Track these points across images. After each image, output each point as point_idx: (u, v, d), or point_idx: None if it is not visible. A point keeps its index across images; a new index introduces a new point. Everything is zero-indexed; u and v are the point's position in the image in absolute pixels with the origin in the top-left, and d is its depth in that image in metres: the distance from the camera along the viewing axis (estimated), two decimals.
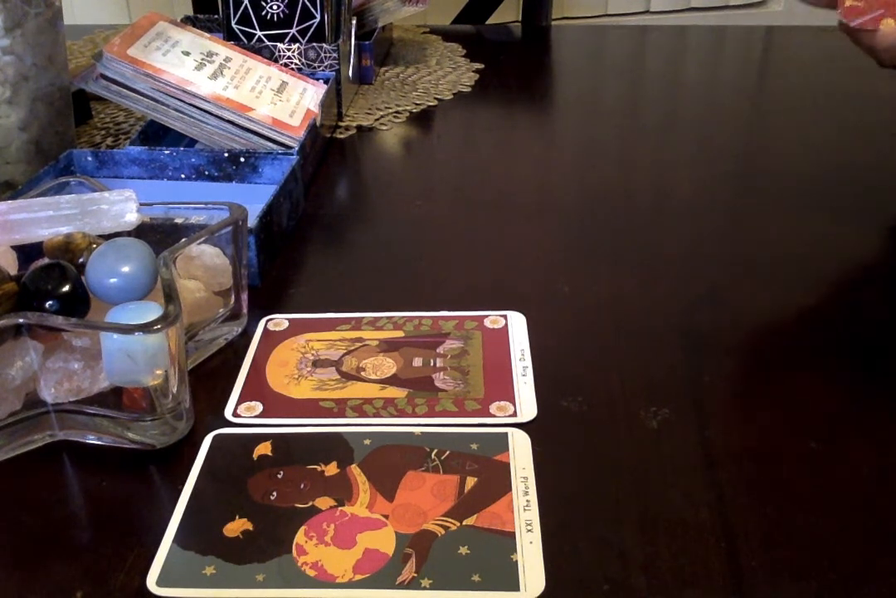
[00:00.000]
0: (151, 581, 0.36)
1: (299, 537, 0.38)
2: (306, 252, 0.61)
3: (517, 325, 0.52)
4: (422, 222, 0.65)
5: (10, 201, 0.48)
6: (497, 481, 0.40)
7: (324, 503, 0.39)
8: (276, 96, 0.73)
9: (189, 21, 0.96)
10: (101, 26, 1.13)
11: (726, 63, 1.06)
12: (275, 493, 0.40)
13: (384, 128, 0.83)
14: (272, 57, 0.83)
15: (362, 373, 0.48)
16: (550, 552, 0.37)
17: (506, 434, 0.43)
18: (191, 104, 0.69)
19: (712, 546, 0.37)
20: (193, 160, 0.66)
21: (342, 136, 0.81)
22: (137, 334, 0.38)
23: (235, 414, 0.45)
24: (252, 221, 0.54)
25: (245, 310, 0.51)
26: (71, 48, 1.01)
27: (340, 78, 0.83)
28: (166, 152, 0.66)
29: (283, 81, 0.76)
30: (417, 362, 0.49)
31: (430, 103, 0.89)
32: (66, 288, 0.41)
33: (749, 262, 0.59)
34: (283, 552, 0.37)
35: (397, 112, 0.86)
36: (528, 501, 0.39)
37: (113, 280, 0.42)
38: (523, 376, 0.47)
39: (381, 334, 0.51)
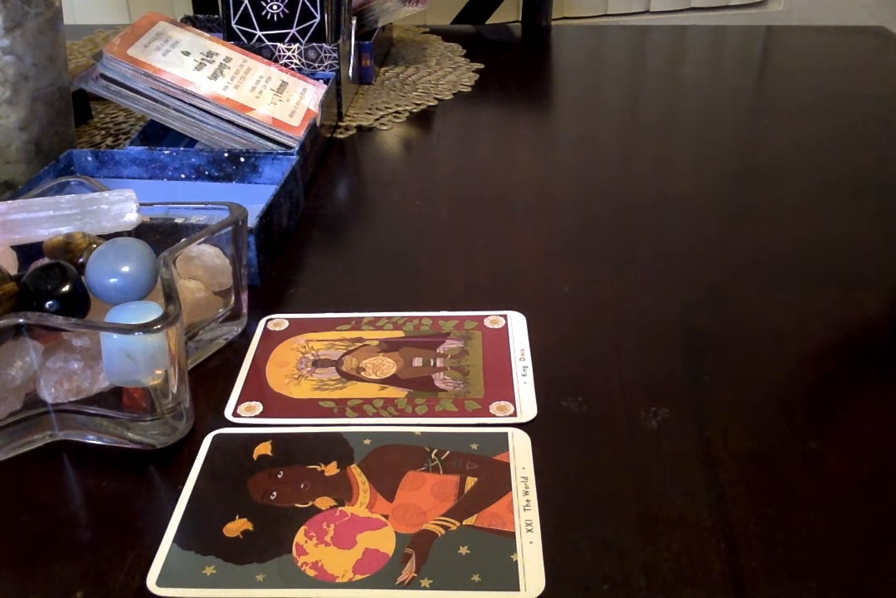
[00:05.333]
0: (151, 581, 0.36)
1: (299, 537, 0.38)
2: (306, 252, 0.61)
3: (517, 325, 0.52)
4: (422, 222, 0.65)
5: (10, 201, 0.48)
6: (497, 481, 0.40)
7: (324, 502, 0.39)
8: (276, 96, 0.73)
9: (189, 21, 0.96)
10: (101, 26, 1.13)
11: (726, 63, 1.06)
12: (275, 493, 0.40)
13: (384, 128, 0.83)
14: (272, 57, 0.83)
15: (362, 373, 0.48)
16: (550, 552, 0.37)
17: (506, 434, 0.43)
18: (191, 104, 0.69)
19: (712, 546, 0.37)
20: (193, 160, 0.66)
21: (342, 136, 0.81)
22: (137, 334, 0.38)
23: (235, 414, 0.45)
24: (252, 221, 0.54)
25: (245, 310, 0.51)
26: (71, 48, 1.01)
27: (340, 78, 0.83)
28: (166, 152, 0.66)
29: (283, 81, 0.76)
30: (417, 362, 0.49)
31: (430, 103, 0.89)
32: (66, 288, 0.41)
33: (749, 262, 0.59)
34: (283, 552, 0.37)
35: (397, 112, 0.86)
36: (528, 501, 0.39)
37: (113, 280, 0.41)
38: (523, 376, 0.47)
39: (381, 334, 0.51)
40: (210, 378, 0.48)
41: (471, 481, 0.40)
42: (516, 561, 0.36)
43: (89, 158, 0.66)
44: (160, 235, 0.50)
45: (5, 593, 0.36)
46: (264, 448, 0.43)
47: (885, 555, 0.37)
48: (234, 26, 0.85)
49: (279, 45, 0.83)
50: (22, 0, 0.60)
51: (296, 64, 0.84)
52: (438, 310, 0.53)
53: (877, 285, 0.56)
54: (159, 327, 0.38)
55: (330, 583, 0.36)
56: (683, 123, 0.85)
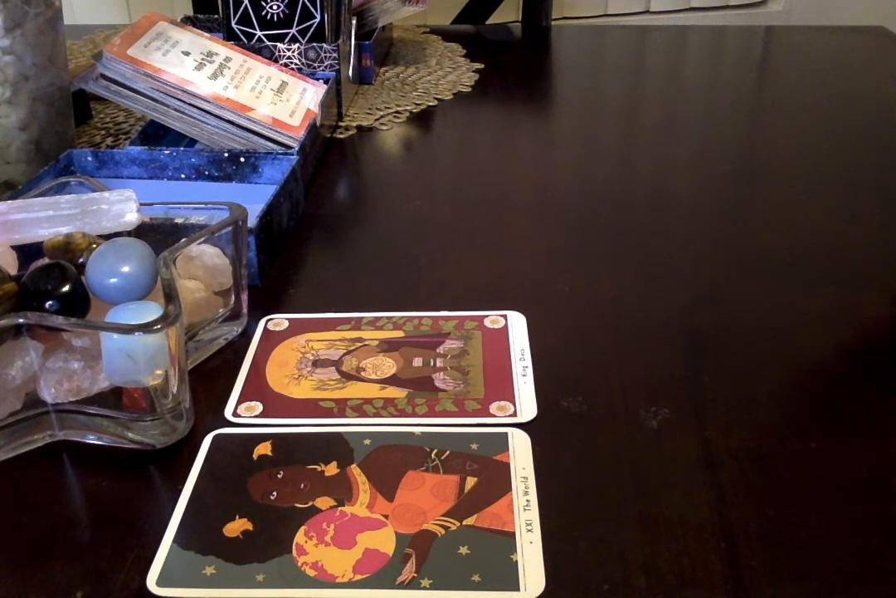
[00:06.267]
0: (151, 581, 0.36)
1: (299, 537, 0.38)
2: (306, 252, 0.61)
3: (517, 325, 0.52)
4: (422, 222, 0.65)
5: (10, 201, 0.48)
6: (497, 481, 0.40)
7: (324, 502, 0.39)
8: (276, 96, 0.73)
9: (189, 21, 0.96)
10: (101, 26, 1.13)
11: (726, 63, 1.06)
12: (275, 493, 0.40)
13: (384, 128, 0.83)
14: (272, 57, 0.83)
15: (362, 373, 0.48)
16: (550, 552, 0.37)
17: (506, 434, 0.43)
18: (191, 104, 0.69)
19: (712, 546, 0.37)
20: (193, 160, 0.66)
21: (342, 136, 0.81)
22: (137, 334, 0.38)
23: (235, 414, 0.45)
24: (252, 221, 0.54)
25: (245, 310, 0.51)
26: (71, 48, 1.01)
27: (340, 78, 0.83)
28: (166, 152, 0.66)
29: (283, 81, 0.76)
30: (417, 362, 0.49)
31: (430, 103, 0.89)
32: (66, 288, 0.41)
33: (749, 262, 0.59)
34: (283, 552, 0.37)
35: (397, 112, 0.86)
36: (528, 501, 0.39)
37: (113, 280, 0.42)
38: (523, 376, 0.47)
39: (381, 334, 0.51)
40: (210, 378, 0.48)
41: (471, 482, 0.40)
42: (516, 561, 0.36)
43: (89, 158, 0.66)
44: (160, 235, 0.50)
45: (5, 593, 0.36)
46: (264, 448, 0.43)
47: (885, 555, 0.37)
48: (234, 26, 0.85)
49: (279, 45, 0.83)
50: (22, 0, 0.60)
51: (296, 64, 0.84)
52: (438, 310, 0.53)
53: (876, 285, 0.56)
54: (159, 327, 0.38)
55: (330, 583, 0.36)
56: (683, 122, 0.85)
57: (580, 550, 0.37)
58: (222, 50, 0.76)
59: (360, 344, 0.50)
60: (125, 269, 0.42)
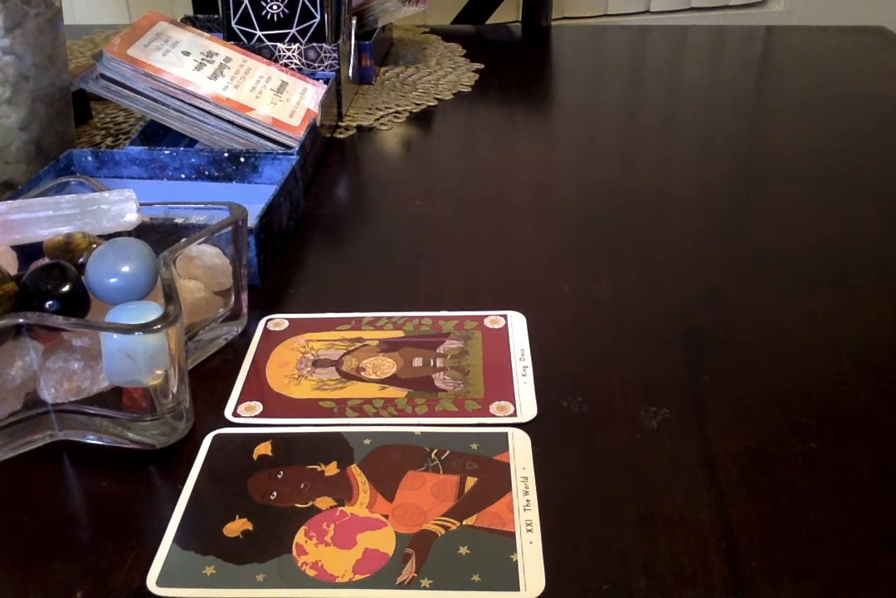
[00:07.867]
0: (151, 581, 0.36)
1: (299, 537, 0.38)
2: (306, 252, 0.61)
3: (517, 325, 0.52)
4: (422, 222, 0.65)
5: (10, 201, 0.48)
6: (497, 481, 0.40)
7: (324, 503, 0.39)
8: (276, 96, 0.73)
9: (189, 21, 0.96)
10: (101, 26, 1.13)
11: (726, 63, 1.06)
12: (275, 493, 0.40)
13: (384, 128, 0.83)
14: (272, 57, 0.83)
15: (362, 373, 0.48)
16: (550, 552, 0.37)
17: (506, 434, 0.43)
18: (191, 104, 0.69)
19: (712, 546, 0.37)
20: (193, 160, 0.66)
21: (342, 136, 0.81)
22: (137, 334, 0.38)
23: (235, 414, 0.45)
24: (252, 221, 0.54)
25: (245, 310, 0.51)
26: (71, 48, 1.01)
27: (340, 78, 0.83)
28: (166, 152, 0.66)
29: (283, 81, 0.76)
30: (417, 362, 0.49)
31: (430, 103, 0.89)
32: (66, 288, 0.41)
33: (749, 262, 0.59)
34: (283, 552, 0.37)
35: (397, 112, 0.86)
36: (528, 501, 0.39)
37: (113, 280, 0.41)
38: (523, 376, 0.47)
39: (381, 334, 0.51)
40: (210, 378, 0.48)
41: (471, 481, 0.40)
42: (516, 561, 0.36)
43: (89, 158, 0.66)
44: (160, 235, 0.49)
45: (5, 593, 0.36)
46: (264, 448, 0.43)
47: (885, 555, 0.37)
48: (234, 26, 0.85)
49: (279, 45, 0.83)
50: (22, 0, 0.60)
51: (296, 64, 0.84)
52: (438, 310, 0.53)
53: (876, 285, 0.56)
54: (159, 327, 0.38)
55: (330, 583, 0.36)
56: (683, 123, 0.85)
57: (580, 550, 0.37)
58: (222, 50, 0.76)
59: (360, 344, 0.50)
60: (125, 269, 0.42)
